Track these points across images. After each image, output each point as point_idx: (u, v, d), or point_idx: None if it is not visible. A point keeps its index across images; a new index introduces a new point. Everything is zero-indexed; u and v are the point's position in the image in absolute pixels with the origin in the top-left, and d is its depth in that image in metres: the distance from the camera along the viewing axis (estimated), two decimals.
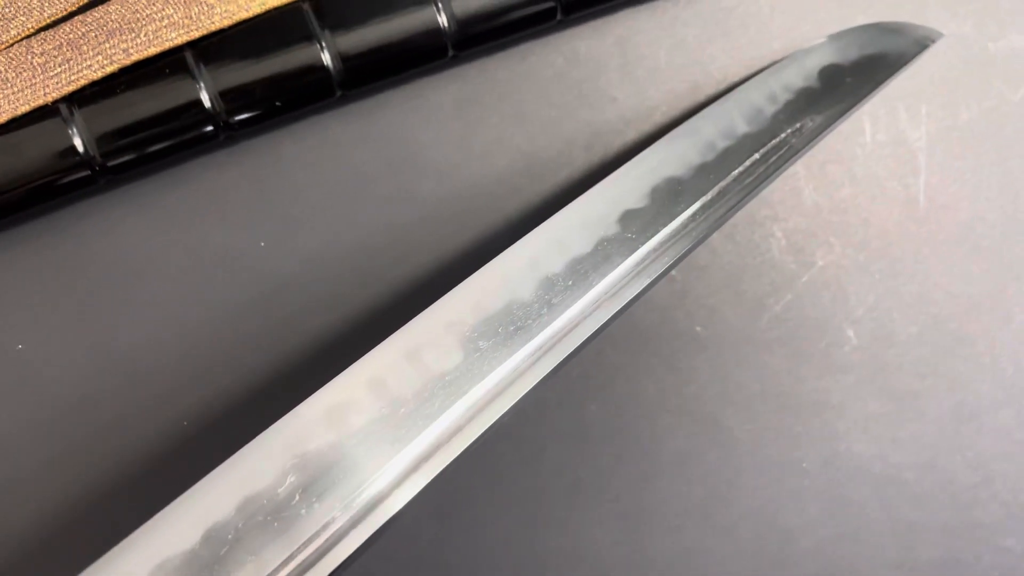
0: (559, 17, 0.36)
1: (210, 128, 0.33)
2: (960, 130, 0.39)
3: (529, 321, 0.28)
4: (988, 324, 0.39)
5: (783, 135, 0.34)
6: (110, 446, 0.34)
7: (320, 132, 0.36)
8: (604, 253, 0.30)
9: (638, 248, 0.30)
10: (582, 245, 0.30)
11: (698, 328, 0.38)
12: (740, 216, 0.38)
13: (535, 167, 0.37)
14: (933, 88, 0.39)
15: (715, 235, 0.38)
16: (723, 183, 0.32)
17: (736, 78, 0.39)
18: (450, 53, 0.35)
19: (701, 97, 0.39)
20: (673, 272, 0.37)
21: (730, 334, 0.38)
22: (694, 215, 0.32)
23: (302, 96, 0.34)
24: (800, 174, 0.39)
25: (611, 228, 0.30)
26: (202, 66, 0.33)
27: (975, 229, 0.39)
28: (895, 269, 0.39)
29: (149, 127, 0.33)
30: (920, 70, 0.39)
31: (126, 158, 0.33)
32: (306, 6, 0.33)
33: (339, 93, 0.34)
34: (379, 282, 0.36)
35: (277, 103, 0.34)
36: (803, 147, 0.34)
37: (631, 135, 0.38)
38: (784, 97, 0.35)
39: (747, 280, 0.38)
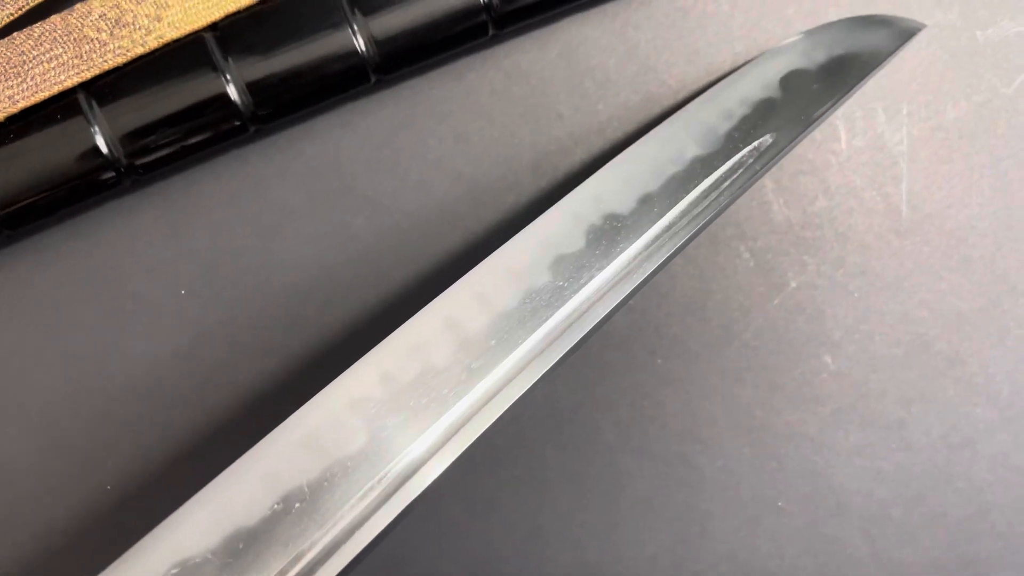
0: (492, 32, 0.32)
1: (112, 175, 0.30)
2: (946, 130, 0.36)
3: (445, 391, 0.25)
4: (980, 342, 0.36)
5: (739, 156, 0.31)
6: (29, 516, 0.32)
7: (239, 168, 0.33)
8: (531, 307, 0.27)
9: (570, 298, 0.27)
10: (507, 299, 0.27)
11: (660, 360, 0.35)
12: (702, 236, 0.35)
13: (478, 193, 0.34)
14: (916, 85, 0.36)
15: (675, 259, 0.35)
16: (669, 216, 0.29)
17: (695, 86, 0.35)
18: (372, 79, 0.32)
19: (657, 109, 0.35)
20: (630, 301, 0.34)
21: (696, 365, 0.35)
22: (636, 255, 0.29)
23: (210, 134, 0.31)
24: (768, 187, 0.35)
25: (540, 277, 0.27)
26: (97, 108, 0.30)
27: (965, 239, 0.36)
28: (876, 287, 0.36)
29: (44, 178, 0.30)
30: (900, 66, 0.36)
31: (25, 212, 0.30)
32: (208, 36, 0.30)
33: (252, 128, 0.31)
34: (311, 328, 0.33)
35: (183, 143, 0.31)
36: (763, 168, 0.31)
37: (581, 154, 0.35)
38: (740, 112, 0.31)
39: (712, 306, 0.35)
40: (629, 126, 0.35)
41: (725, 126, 0.31)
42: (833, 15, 0.35)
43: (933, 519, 0.36)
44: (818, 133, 0.36)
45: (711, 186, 0.30)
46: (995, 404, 0.36)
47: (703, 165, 0.31)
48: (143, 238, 0.33)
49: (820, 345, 0.36)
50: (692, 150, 0.31)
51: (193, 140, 0.31)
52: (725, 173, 0.31)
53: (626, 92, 0.35)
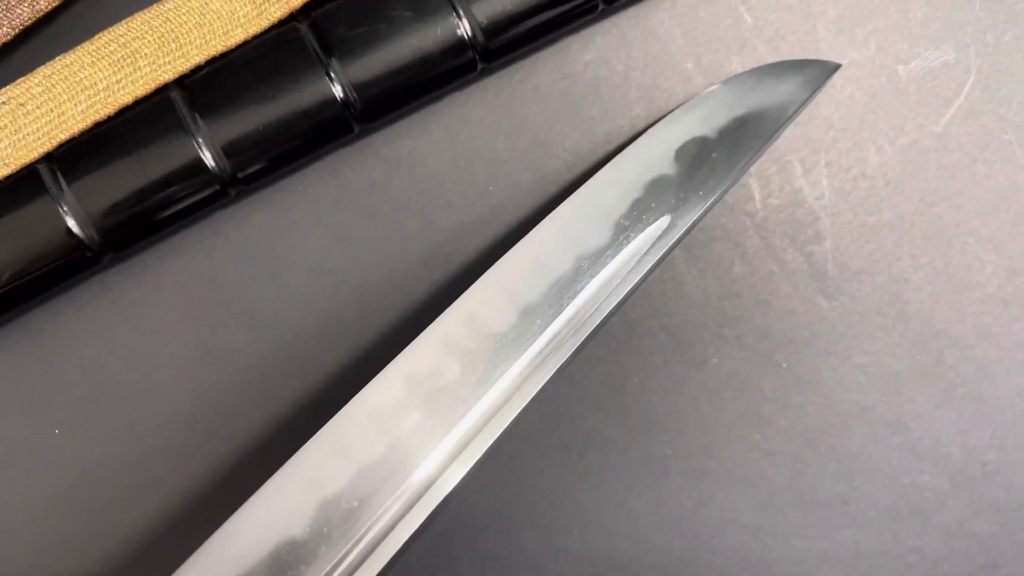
0: (357, 130, 0.30)
1: None
2: (871, 178, 0.33)
3: (303, 566, 0.23)
4: (923, 404, 0.33)
5: (631, 247, 0.28)
6: None
7: (102, 294, 0.31)
8: (400, 456, 0.24)
9: (445, 437, 0.25)
10: (371, 450, 0.24)
11: (577, 455, 0.33)
12: (613, 318, 0.32)
13: (366, 296, 0.32)
14: (834, 132, 0.33)
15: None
16: (554, 327, 0.27)
17: (593, 157, 0.33)
18: (231, 192, 0.29)
19: (553, 187, 0.33)
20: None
21: (616, 457, 0.33)
22: (519, 375, 0.26)
23: (58, 268, 0.28)
24: (679, 258, 0.33)
25: (409, 419, 0.25)
26: None
27: (899, 294, 0.33)
28: (805, 354, 0.33)
29: None
30: (815, 112, 0.33)
31: None
32: (43, 167, 0.28)
33: (107, 256, 0.29)
34: (193, 461, 0.31)
35: (28, 280, 0.28)
36: (661, 258, 0.28)
37: (475, 242, 0.32)
38: (631, 196, 0.29)
39: (630, 391, 0.33)
40: (524, 207, 0.33)
41: (614, 214, 0.29)
42: (736, 66, 0.33)
43: None
44: (730, 195, 0.33)
45: (602, 286, 0.28)
46: (944, 469, 0.34)
47: (591, 263, 0.28)
48: (7, 378, 0.31)
49: (749, 423, 0.33)
50: (577, 247, 0.28)
51: (39, 277, 0.28)
52: (617, 269, 0.28)
53: (518, 171, 0.32)
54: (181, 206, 0.29)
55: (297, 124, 0.29)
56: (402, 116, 0.32)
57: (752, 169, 0.33)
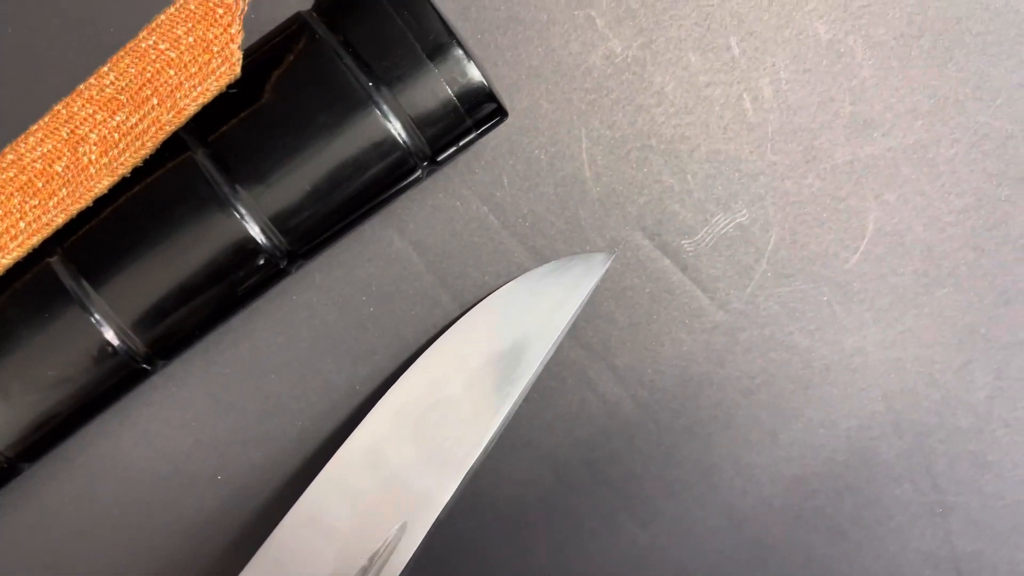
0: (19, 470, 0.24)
1: None
2: (671, 376, 0.28)
3: None
4: None
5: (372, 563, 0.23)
6: None
7: None
8: None
9: None
10: None
11: None
12: None
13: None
14: (618, 331, 0.28)
15: None
16: None
17: (336, 416, 0.27)
18: None
19: (292, 462, 0.28)
20: None
21: None
22: None
23: None
24: (459, 511, 0.27)
25: None
26: None
27: (728, 503, 0.28)
28: None
29: None
30: (593, 312, 0.28)
31: None
32: None
33: None
34: None
35: None
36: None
37: (210, 546, 0.28)
38: (361, 502, 0.23)
39: None
40: (260, 494, 0.28)
41: (341, 527, 0.23)
42: (490, 279, 0.28)
43: None
44: (507, 428, 0.28)
45: None
46: None
47: None
48: None
49: None
50: None
51: None
52: None
53: (248, 452, 0.28)
54: None
55: None
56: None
57: (525, 394, 0.28)
